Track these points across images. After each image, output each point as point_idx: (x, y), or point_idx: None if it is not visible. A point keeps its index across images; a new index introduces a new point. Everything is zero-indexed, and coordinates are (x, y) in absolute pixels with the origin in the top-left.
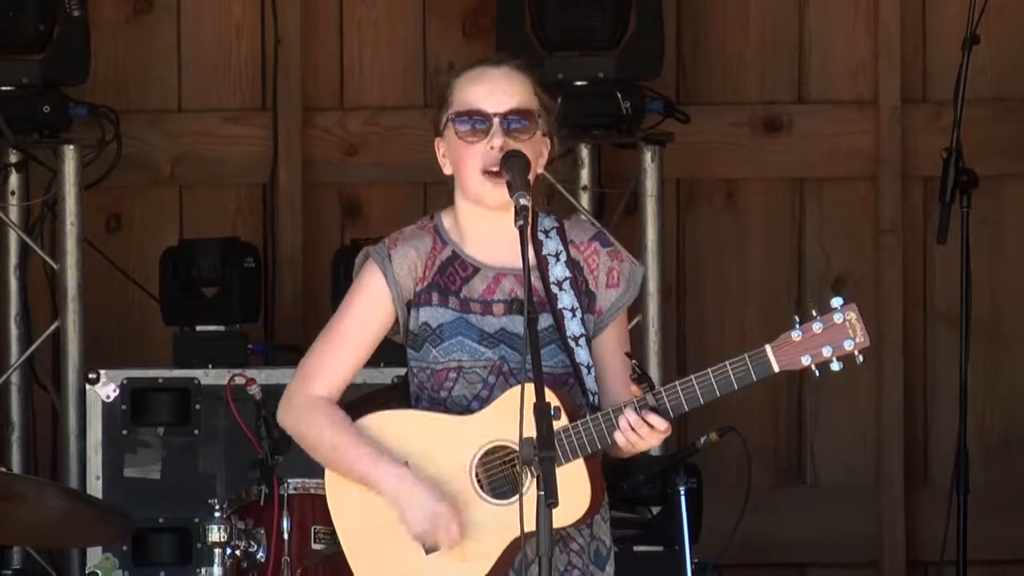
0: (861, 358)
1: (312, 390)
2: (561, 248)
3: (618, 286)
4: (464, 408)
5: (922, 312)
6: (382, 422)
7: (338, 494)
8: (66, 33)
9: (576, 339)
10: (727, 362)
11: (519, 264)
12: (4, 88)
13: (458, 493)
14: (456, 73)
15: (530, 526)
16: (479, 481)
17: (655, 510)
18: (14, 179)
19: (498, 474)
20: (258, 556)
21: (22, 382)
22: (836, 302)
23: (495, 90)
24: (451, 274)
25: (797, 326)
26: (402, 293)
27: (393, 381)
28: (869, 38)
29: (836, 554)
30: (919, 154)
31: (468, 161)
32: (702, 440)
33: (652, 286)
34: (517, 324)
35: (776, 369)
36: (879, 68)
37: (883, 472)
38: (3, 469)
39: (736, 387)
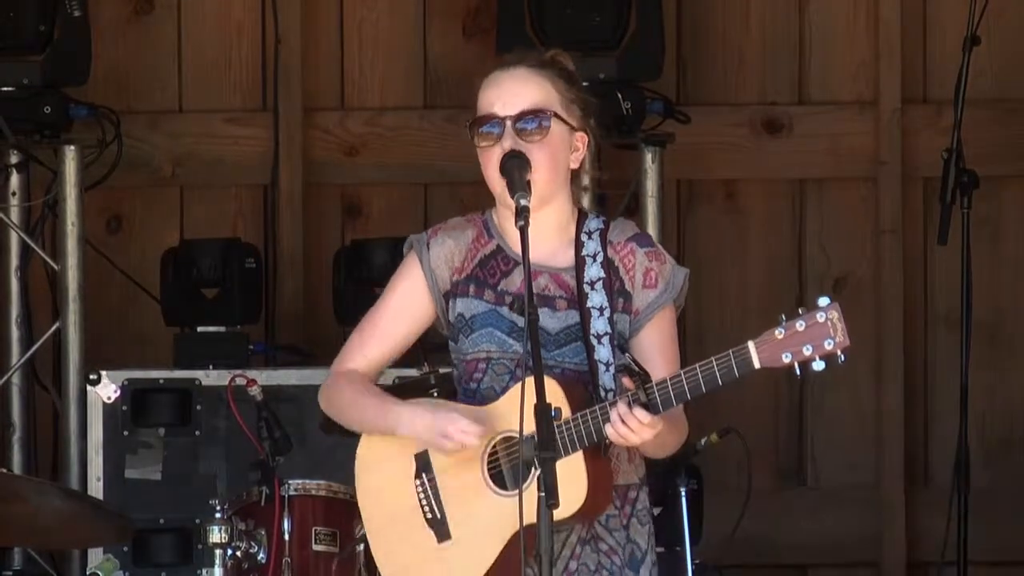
0: (843, 358)
1: (343, 365)
2: (600, 249)
3: (655, 287)
4: (492, 399)
5: (922, 313)
6: None
7: (364, 481)
8: (67, 33)
9: (599, 337)
10: (713, 358)
11: (556, 262)
12: (5, 88)
13: (469, 482)
14: (480, 79)
15: (530, 519)
16: (490, 470)
17: (656, 511)
18: (15, 180)
19: (508, 464)
20: (259, 557)
21: (23, 383)
22: (822, 301)
23: (505, 93)
24: (492, 268)
25: (782, 324)
26: (438, 283)
27: (394, 382)
28: (870, 39)
29: (836, 555)
30: (919, 155)
31: (487, 166)
32: (702, 441)
33: None
34: (547, 319)
35: (757, 366)
36: (879, 69)
37: (883, 473)
38: (4, 470)
39: (720, 383)
